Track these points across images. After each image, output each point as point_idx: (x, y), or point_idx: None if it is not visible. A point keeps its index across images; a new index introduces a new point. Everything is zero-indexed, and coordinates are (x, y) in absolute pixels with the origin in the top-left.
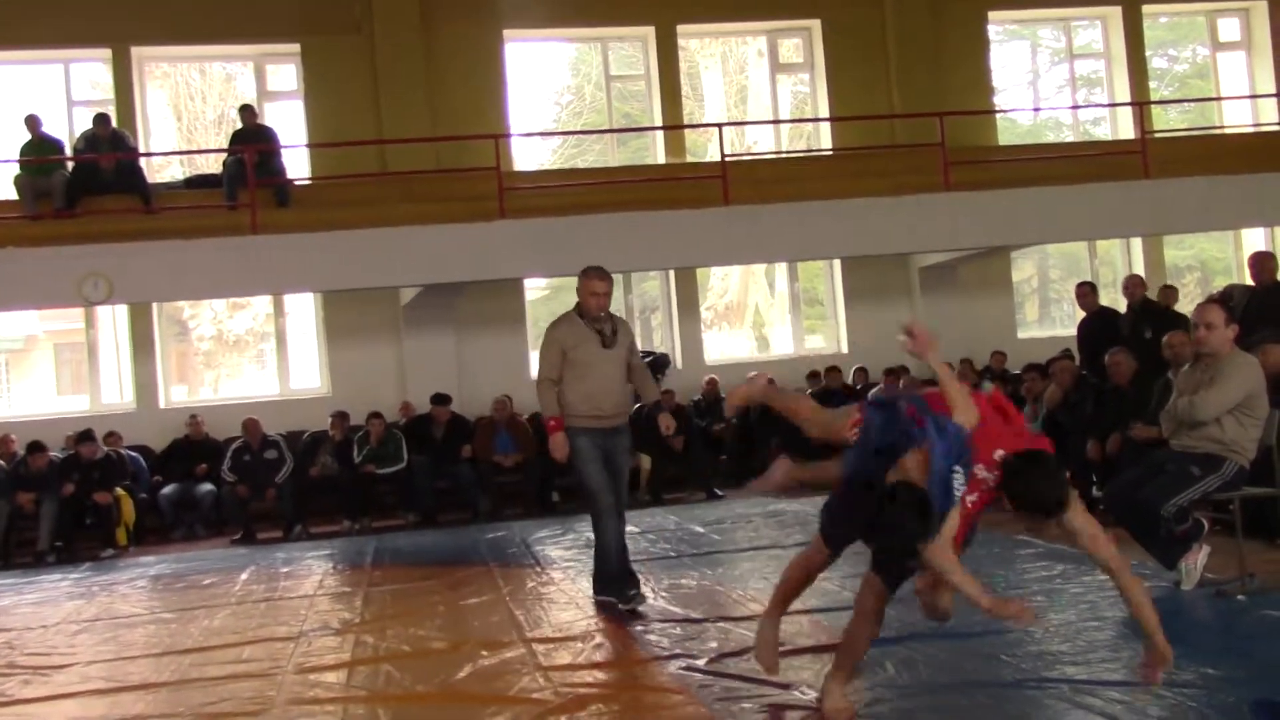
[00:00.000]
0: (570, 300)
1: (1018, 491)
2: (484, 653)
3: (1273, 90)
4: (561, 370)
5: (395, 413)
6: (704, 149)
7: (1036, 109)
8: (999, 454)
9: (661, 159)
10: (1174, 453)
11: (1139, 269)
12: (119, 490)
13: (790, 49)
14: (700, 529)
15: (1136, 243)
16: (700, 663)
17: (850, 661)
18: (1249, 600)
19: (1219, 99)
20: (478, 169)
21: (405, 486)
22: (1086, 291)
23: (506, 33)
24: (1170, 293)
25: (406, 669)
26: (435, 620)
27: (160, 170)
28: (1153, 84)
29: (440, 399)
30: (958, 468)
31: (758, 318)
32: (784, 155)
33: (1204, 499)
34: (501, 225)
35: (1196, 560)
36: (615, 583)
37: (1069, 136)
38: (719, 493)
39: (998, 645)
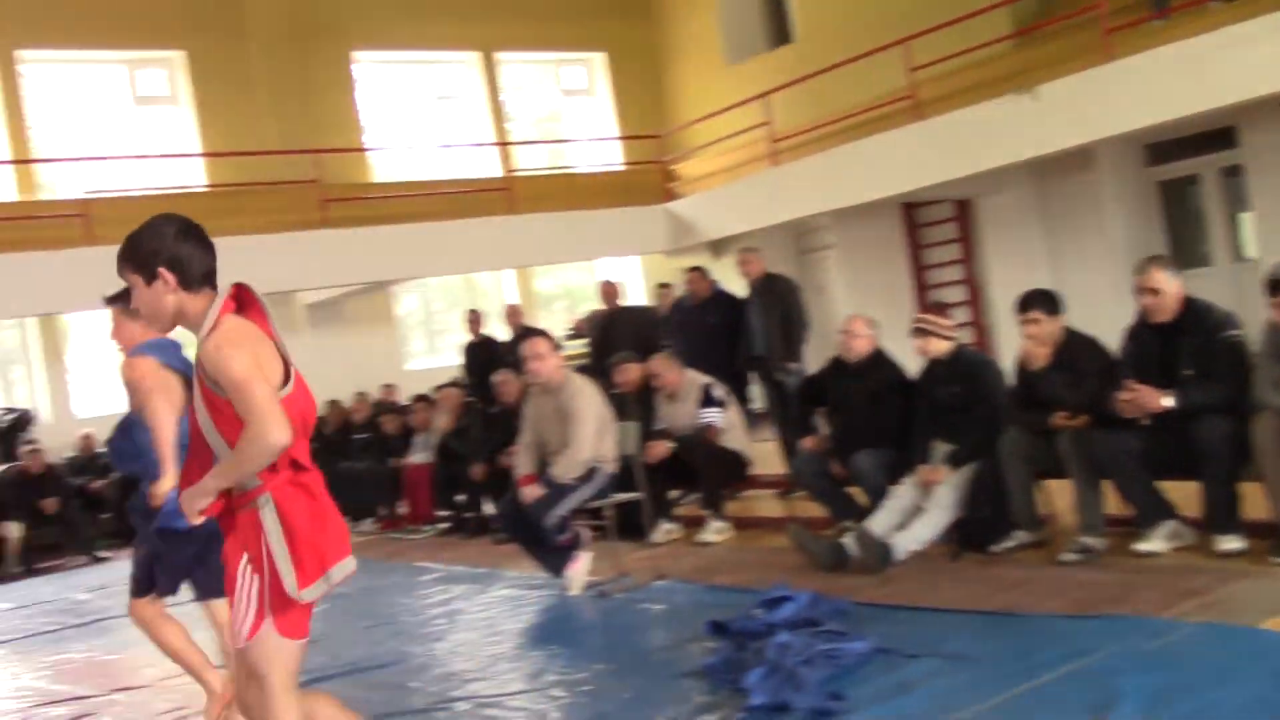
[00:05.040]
0: None
1: None
2: None
3: (615, 134)
4: None
5: None
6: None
7: (406, 147)
8: None
9: (15, 195)
10: None
11: (513, 298)
12: None
13: (151, 81)
14: (84, 596)
15: (509, 273)
16: None
17: None
18: (626, 597)
19: (569, 141)
20: None
21: None
22: (475, 319)
23: None
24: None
25: None
26: None
27: None
28: (512, 125)
29: None
30: None
31: None
32: (156, 193)
33: (581, 508)
34: None
35: (580, 567)
36: None
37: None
38: (102, 555)
39: (403, 674)
